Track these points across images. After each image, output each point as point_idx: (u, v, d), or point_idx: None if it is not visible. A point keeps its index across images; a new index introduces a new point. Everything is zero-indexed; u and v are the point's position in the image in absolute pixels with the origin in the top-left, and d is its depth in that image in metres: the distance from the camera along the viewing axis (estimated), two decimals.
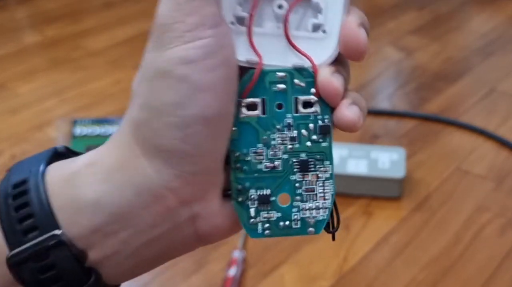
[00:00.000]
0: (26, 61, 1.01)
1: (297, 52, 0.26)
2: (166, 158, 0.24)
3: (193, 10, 0.23)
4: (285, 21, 0.26)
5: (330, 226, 0.27)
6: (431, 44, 1.06)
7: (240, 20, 0.26)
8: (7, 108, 0.87)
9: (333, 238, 0.27)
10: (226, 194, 0.26)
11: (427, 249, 0.61)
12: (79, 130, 0.79)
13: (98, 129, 0.79)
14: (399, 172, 0.67)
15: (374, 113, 0.85)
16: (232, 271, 0.57)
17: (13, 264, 0.24)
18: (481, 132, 0.80)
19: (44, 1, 1.23)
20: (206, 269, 0.59)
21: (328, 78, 0.25)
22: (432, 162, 0.75)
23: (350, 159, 0.68)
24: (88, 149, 0.26)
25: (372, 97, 0.90)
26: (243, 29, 0.26)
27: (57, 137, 0.79)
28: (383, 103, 0.89)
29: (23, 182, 0.25)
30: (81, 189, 0.24)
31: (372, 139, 0.79)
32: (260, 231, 0.26)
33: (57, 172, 0.25)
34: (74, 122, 0.80)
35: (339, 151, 0.69)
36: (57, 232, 0.24)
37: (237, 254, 0.58)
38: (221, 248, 0.61)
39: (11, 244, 0.24)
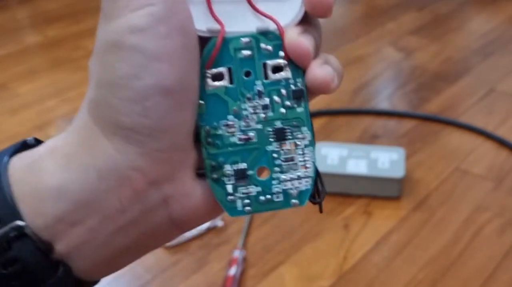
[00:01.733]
0: (27, 61, 1.01)
1: (260, 16, 0.24)
2: (127, 136, 0.22)
3: None
4: None
5: (316, 196, 0.25)
6: (431, 44, 1.06)
7: None
8: (7, 108, 0.87)
9: (321, 210, 0.25)
10: (200, 173, 0.25)
11: (426, 249, 0.61)
12: None
13: None
14: (398, 172, 0.67)
15: (374, 113, 0.85)
16: (232, 271, 0.57)
17: None
18: (481, 132, 0.80)
19: (45, 1, 1.23)
20: (206, 269, 0.59)
21: (296, 38, 0.24)
22: (432, 162, 0.75)
23: (350, 159, 0.69)
24: None
25: (372, 97, 0.90)
26: None
27: None
28: (383, 103, 0.89)
29: None
30: (43, 177, 0.23)
31: (372, 139, 0.79)
32: (240, 208, 0.25)
33: (19, 162, 0.24)
34: None
35: (339, 151, 0.70)
36: (19, 222, 0.22)
37: (237, 254, 0.59)
38: (221, 248, 0.61)
39: None
